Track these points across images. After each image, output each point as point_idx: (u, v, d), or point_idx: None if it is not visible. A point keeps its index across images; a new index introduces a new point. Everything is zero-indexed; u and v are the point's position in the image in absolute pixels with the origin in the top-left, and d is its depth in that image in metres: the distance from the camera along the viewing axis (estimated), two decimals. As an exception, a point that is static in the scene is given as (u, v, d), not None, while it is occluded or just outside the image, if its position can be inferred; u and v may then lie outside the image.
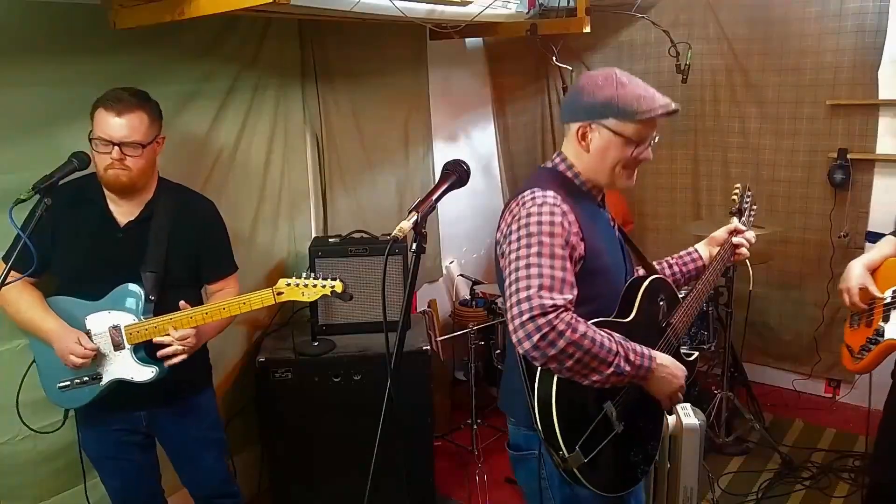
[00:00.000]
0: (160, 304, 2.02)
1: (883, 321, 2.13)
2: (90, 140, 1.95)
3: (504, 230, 1.60)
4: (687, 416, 2.49)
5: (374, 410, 1.47)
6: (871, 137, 3.49)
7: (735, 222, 2.04)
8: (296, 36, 2.99)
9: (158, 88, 2.10)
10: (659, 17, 3.75)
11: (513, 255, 1.51)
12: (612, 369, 1.46)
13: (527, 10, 3.32)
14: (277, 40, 2.90)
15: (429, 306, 3.73)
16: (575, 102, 1.65)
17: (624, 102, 1.57)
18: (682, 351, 1.78)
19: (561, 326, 1.41)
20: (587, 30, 3.25)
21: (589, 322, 1.49)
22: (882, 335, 2.12)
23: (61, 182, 1.94)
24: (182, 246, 2.09)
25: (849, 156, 3.51)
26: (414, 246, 1.45)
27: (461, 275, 4.02)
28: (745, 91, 3.77)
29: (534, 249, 1.48)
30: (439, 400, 3.42)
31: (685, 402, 2.62)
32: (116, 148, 1.92)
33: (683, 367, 1.64)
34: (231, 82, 2.75)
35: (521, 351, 1.45)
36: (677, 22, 3.82)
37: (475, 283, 3.88)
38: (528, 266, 1.46)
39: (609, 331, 1.50)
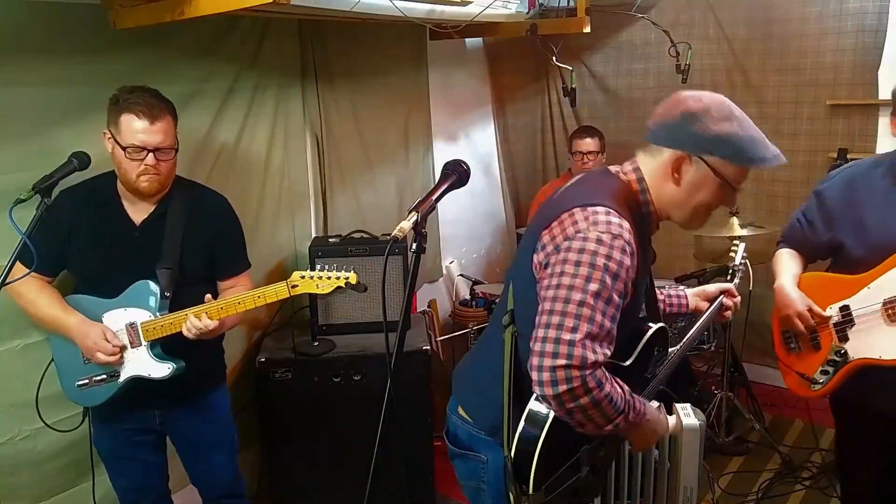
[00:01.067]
0: (176, 301, 2.03)
1: (840, 341, 2.06)
2: (122, 148, 1.92)
3: (558, 239, 1.41)
4: (687, 416, 2.48)
5: (374, 410, 1.47)
6: (871, 137, 3.49)
7: (729, 283, 2.02)
8: (296, 36, 2.99)
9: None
10: (659, 17, 3.75)
11: (566, 280, 1.34)
12: (611, 426, 1.40)
13: (527, 10, 3.32)
14: (277, 40, 2.90)
15: (429, 306, 3.73)
16: (678, 127, 1.45)
17: (740, 144, 1.41)
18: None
19: (591, 384, 1.31)
20: (587, 30, 3.26)
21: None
22: (845, 356, 2.04)
23: (73, 183, 1.97)
24: (197, 242, 2.10)
25: (849, 156, 3.49)
26: (414, 246, 1.45)
27: (461, 275, 4.02)
28: (745, 91, 3.77)
29: (593, 287, 1.33)
30: (439, 400, 3.42)
31: (685, 402, 2.63)
32: (151, 155, 1.93)
33: (666, 422, 1.61)
34: (231, 82, 2.75)
35: (537, 391, 1.34)
36: (677, 22, 3.82)
37: (475, 283, 3.88)
38: (581, 304, 1.32)
39: (620, 382, 1.42)
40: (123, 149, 1.92)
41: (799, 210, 2.22)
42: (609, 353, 1.35)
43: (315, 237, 3.12)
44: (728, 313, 1.97)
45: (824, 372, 2.09)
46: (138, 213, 2.06)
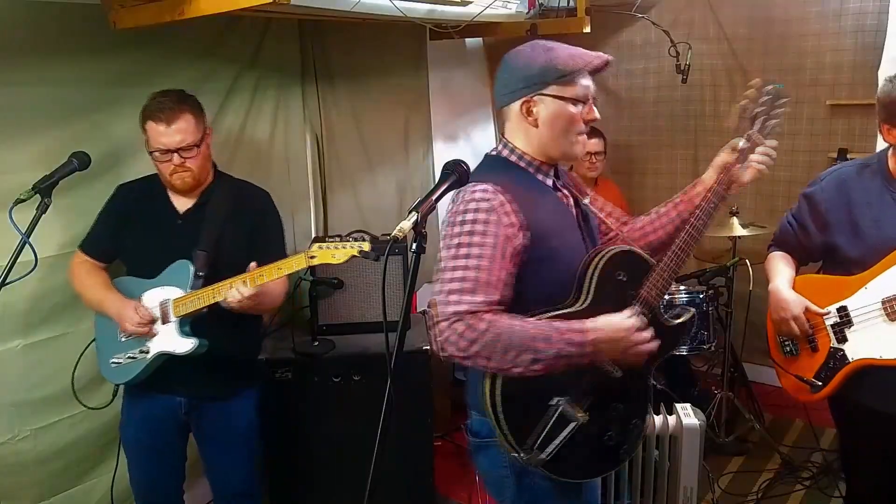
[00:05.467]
0: (210, 282, 2.06)
1: (838, 342, 2.04)
2: (149, 153, 2.06)
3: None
4: (687, 416, 2.49)
5: (374, 410, 1.47)
6: (871, 137, 3.48)
7: (739, 140, 1.78)
8: (296, 36, 2.99)
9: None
10: (659, 17, 3.75)
11: (442, 254, 1.53)
12: (539, 366, 1.44)
13: (527, 10, 3.32)
14: (277, 40, 2.90)
15: (429, 306, 3.71)
16: (509, 81, 1.60)
17: (562, 63, 1.55)
18: (666, 316, 1.68)
19: (481, 326, 1.43)
20: (587, 30, 3.26)
21: (543, 315, 1.51)
22: (844, 357, 2.02)
23: (129, 182, 2.21)
24: (236, 230, 2.16)
25: (849, 156, 3.50)
26: (414, 246, 1.45)
27: (461, 275, 4.01)
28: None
29: (461, 251, 1.49)
30: (439, 400, 3.42)
31: (685, 402, 2.63)
32: (175, 155, 2.04)
33: (626, 322, 1.50)
34: (231, 82, 2.75)
35: (443, 356, 1.47)
36: (677, 22, 3.82)
37: (475, 283, 3.87)
38: (453, 269, 1.49)
39: (542, 318, 1.50)
40: (151, 153, 2.05)
41: (788, 213, 2.22)
42: (496, 297, 1.46)
43: (315, 237, 3.10)
44: (760, 166, 1.75)
45: (824, 375, 2.08)
46: (183, 204, 2.17)
